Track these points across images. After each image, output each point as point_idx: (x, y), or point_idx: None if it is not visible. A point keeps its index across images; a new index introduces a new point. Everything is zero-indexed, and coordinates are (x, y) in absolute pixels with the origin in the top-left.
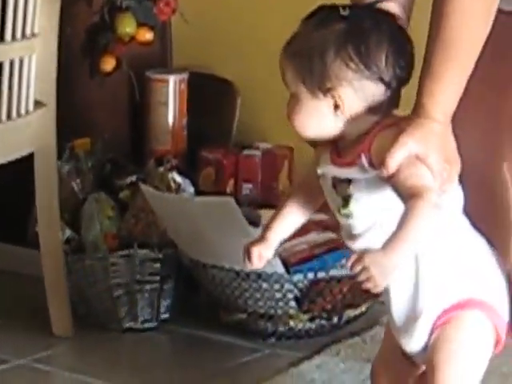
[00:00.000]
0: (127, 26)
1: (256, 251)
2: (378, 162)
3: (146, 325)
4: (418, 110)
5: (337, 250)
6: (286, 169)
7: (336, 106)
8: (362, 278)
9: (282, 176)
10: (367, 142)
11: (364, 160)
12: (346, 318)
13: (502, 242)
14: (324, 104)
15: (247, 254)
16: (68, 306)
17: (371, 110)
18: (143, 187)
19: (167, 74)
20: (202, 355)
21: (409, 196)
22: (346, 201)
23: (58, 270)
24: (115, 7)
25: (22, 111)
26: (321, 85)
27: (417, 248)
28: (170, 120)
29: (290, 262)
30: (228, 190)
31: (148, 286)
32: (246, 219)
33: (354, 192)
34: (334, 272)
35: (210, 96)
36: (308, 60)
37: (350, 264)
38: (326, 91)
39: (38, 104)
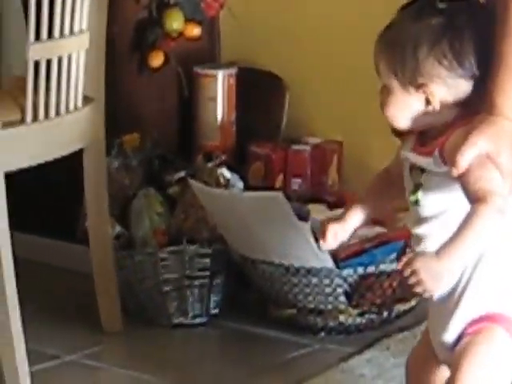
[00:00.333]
0: (175, 21)
1: (332, 230)
2: (449, 159)
3: (196, 320)
4: (489, 108)
5: (387, 244)
6: (336, 163)
7: (427, 101)
8: (411, 281)
9: (331, 171)
10: (445, 137)
11: (437, 154)
12: (396, 312)
13: None
14: (415, 99)
15: (322, 231)
16: (118, 302)
17: (459, 104)
18: (192, 183)
19: (216, 69)
20: (251, 350)
21: (474, 199)
22: (416, 188)
23: (107, 265)
24: (163, 3)
25: (71, 107)
26: (413, 80)
27: (473, 255)
28: (219, 115)
29: (340, 256)
30: (277, 184)
31: (197, 282)
32: (295, 214)
33: (425, 182)
34: (383, 266)
35: (259, 91)
36: (401, 53)
37: (400, 266)
38: (418, 87)
39: (86, 100)
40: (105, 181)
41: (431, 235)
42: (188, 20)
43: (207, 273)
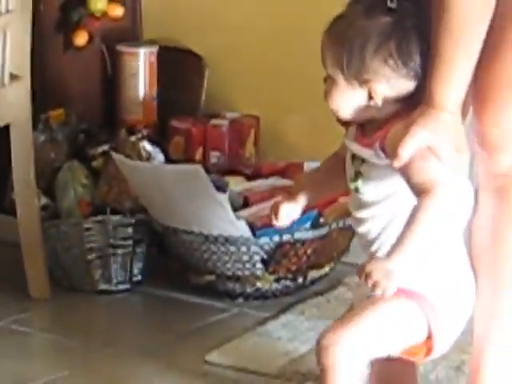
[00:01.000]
0: (99, 1)
1: (285, 210)
2: (390, 152)
3: (120, 287)
4: (428, 100)
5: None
6: (253, 137)
7: (370, 97)
8: (368, 284)
9: (248, 144)
10: (385, 130)
11: (378, 147)
12: (311, 278)
13: None
14: (359, 93)
15: (275, 211)
16: (45, 270)
17: (401, 99)
18: (115, 156)
19: (137, 47)
20: (172, 315)
21: (418, 192)
22: (356, 176)
23: (34, 235)
24: None
25: (1, 82)
26: (357, 75)
27: (425, 247)
28: (141, 91)
29: (257, 225)
30: (197, 157)
31: (121, 250)
32: (214, 186)
33: (365, 172)
34: (298, 235)
35: (180, 68)
36: (349, 49)
37: (359, 273)
38: (363, 82)
39: (13, 77)
40: (31, 154)
41: (373, 218)
42: (111, 0)
43: (130, 242)
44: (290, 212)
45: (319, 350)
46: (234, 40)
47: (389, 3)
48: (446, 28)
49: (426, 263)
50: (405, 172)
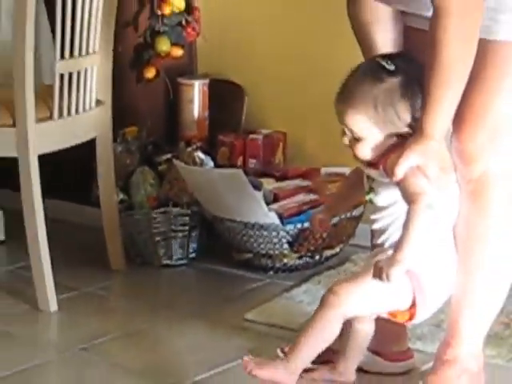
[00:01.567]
0: (164, 45)
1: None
2: (390, 171)
3: (179, 262)
4: (420, 130)
5: (318, 206)
6: (281, 148)
7: (399, 136)
8: (380, 277)
9: (278, 153)
10: (386, 157)
11: (382, 169)
12: (325, 256)
13: None
14: (381, 139)
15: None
16: (122, 249)
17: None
18: (176, 162)
19: (193, 79)
20: (219, 284)
21: (409, 201)
22: (369, 190)
23: (113, 222)
24: (154, 31)
25: (87, 108)
26: (389, 127)
27: (418, 243)
28: (196, 113)
29: (284, 215)
30: (238, 164)
31: (180, 234)
32: (251, 185)
33: (375, 186)
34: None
35: (225, 95)
36: (377, 108)
37: (374, 273)
38: (391, 131)
39: (98, 102)
40: (111, 161)
41: (382, 219)
42: (173, 44)
43: (186, 228)
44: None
45: (325, 294)
46: (266, 72)
47: (387, 66)
48: (436, 73)
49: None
50: (400, 186)
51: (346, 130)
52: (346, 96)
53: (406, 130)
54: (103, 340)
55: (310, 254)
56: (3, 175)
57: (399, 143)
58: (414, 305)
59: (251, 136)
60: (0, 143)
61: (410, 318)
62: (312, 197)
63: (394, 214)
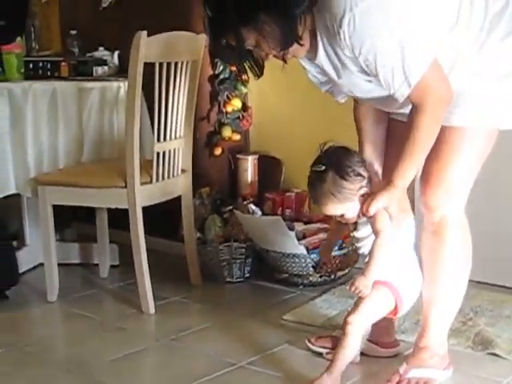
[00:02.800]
0: (227, 132)
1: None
2: (364, 211)
3: (237, 280)
4: (390, 181)
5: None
6: (307, 202)
7: (362, 196)
8: (354, 292)
9: (305, 205)
10: (361, 204)
11: (360, 213)
12: (338, 275)
13: None
14: (356, 206)
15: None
16: (199, 271)
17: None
18: (236, 212)
19: (247, 155)
20: (265, 295)
21: (374, 233)
22: (353, 229)
23: (193, 252)
24: (221, 123)
25: (175, 174)
26: (354, 196)
27: (382, 267)
28: (249, 178)
29: (309, 248)
30: (278, 212)
31: (238, 260)
32: (287, 227)
33: (357, 226)
34: (332, 253)
35: (270, 166)
36: (336, 197)
37: (350, 287)
38: (359, 195)
39: (183, 171)
40: (192, 211)
41: (364, 246)
42: (233, 131)
43: (243, 256)
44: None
45: (344, 324)
46: (297, 150)
47: (319, 169)
48: (410, 147)
49: (389, 268)
50: (371, 221)
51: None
52: (317, 202)
53: (362, 191)
54: (186, 333)
55: (327, 274)
56: (118, 220)
57: (367, 196)
58: (396, 306)
59: (287, 194)
60: (116, 199)
61: (395, 314)
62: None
63: (368, 240)
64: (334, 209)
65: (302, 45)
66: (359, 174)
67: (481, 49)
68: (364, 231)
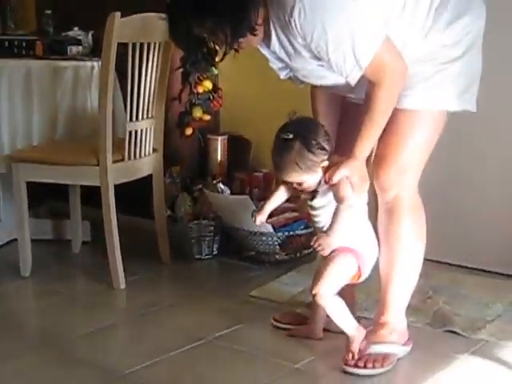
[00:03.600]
0: (198, 112)
1: (258, 217)
2: (327, 179)
3: (206, 257)
4: (350, 153)
5: (299, 220)
6: (275, 181)
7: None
8: (318, 249)
9: (272, 185)
10: (324, 173)
11: (322, 180)
12: (303, 254)
13: None
14: (316, 176)
15: (254, 218)
16: (168, 248)
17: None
18: (206, 191)
19: (217, 135)
20: (233, 272)
21: (337, 201)
22: (312, 197)
23: (163, 230)
24: (192, 103)
25: (146, 153)
26: (312, 172)
27: (343, 230)
28: (219, 158)
29: (276, 226)
30: (246, 192)
31: (207, 238)
32: (254, 206)
33: (315, 195)
34: (297, 231)
35: (239, 146)
36: (299, 166)
37: (313, 243)
38: (321, 167)
39: (154, 150)
40: (162, 189)
41: (320, 215)
42: (204, 112)
43: (212, 234)
44: (260, 218)
45: (314, 297)
46: (265, 130)
47: (286, 137)
48: (367, 121)
49: (352, 234)
50: (333, 189)
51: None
52: (279, 168)
53: (324, 164)
54: (156, 308)
55: (292, 253)
56: (90, 198)
57: (329, 166)
58: (359, 270)
59: (255, 173)
60: (88, 176)
61: (358, 279)
62: (294, 214)
63: (327, 210)
64: (295, 177)
65: (255, 35)
66: (324, 148)
67: (426, 36)
68: (320, 200)
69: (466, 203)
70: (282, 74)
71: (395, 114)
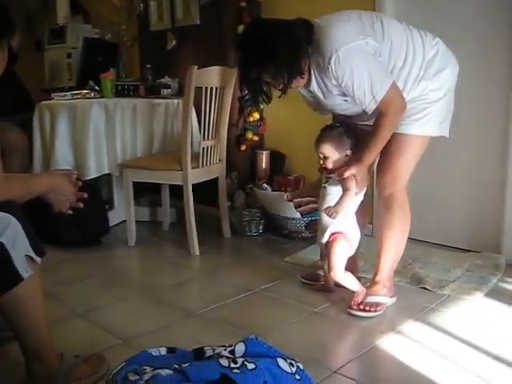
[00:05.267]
0: (249, 135)
1: (287, 194)
2: (340, 174)
3: (255, 234)
4: (358, 158)
5: (317, 210)
6: (302, 183)
7: (346, 155)
8: (328, 213)
9: (300, 185)
10: (338, 169)
11: (336, 174)
12: None
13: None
14: (342, 157)
15: (286, 196)
16: (229, 227)
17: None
18: (254, 189)
19: (263, 150)
20: (273, 244)
21: (344, 189)
22: (325, 182)
23: (225, 214)
24: (245, 128)
25: (214, 162)
26: (343, 153)
27: (348, 208)
28: (264, 166)
29: (302, 213)
30: (282, 189)
31: (255, 221)
32: (287, 200)
33: (330, 181)
34: (317, 217)
35: (277, 158)
36: (333, 142)
37: (328, 210)
38: (345, 154)
39: (219, 160)
40: (225, 187)
41: (326, 199)
42: (254, 134)
43: (258, 218)
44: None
45: (331, 276)
46: (297, 147)
47: (334, 124)
48: (374, 139)
49: (345, 221)
50: (343, 182)
51: (320, 155)
52: (320, 139)
53: (346, 153)
54: (220, 268)
55: (314, 232)
56: (176, 192)
57: (343, 165)
58: (350, 248)
59: (288, 177)
60: (174, 178)
61: (349, 254)
62: (316, 205)
63: (331, 199)
64: (327, 149)
65: (303, 78)
66: (352, 142)
67: (419, 82)
68: (330, 188)
69: (437, 197)
70: (313, 107)
71: (393, 137)
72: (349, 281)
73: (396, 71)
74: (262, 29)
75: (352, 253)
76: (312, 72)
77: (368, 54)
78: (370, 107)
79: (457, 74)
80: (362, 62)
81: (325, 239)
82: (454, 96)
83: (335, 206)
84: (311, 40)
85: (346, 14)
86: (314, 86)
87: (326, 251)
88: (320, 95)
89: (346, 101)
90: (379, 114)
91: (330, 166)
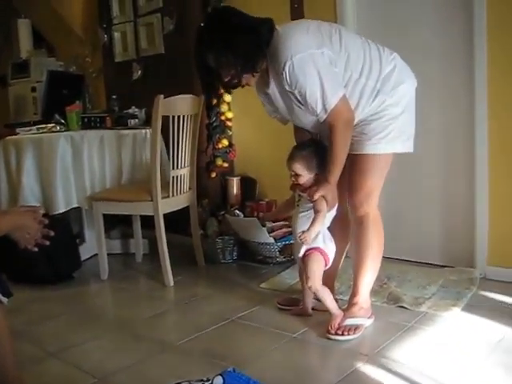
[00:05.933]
0: (219, 161)
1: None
2: (310, 195)
3: (229, 260)
4: (325, 178)
5: (291, 234)
6: (274, 207)
7: (316, 174)
8: (303, 241)
9: (272, 209)
10: (309, 189)
11: (307, 195)
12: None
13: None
14: (309, 178)
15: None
16: (202, 256)
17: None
18: (226, 215)
19: (233, 177)
20: (247, 270)
21: (315, 211)
22: (298, 201)
23: (198, 243)
24: (215, 155)
25: (184, 191)
26: (313, 171)
27: (319, 229)
28: (235, 192)
29: (276, 238)
30: (255, 215)
31: (229, 248)
32: (260, 224)
33: (301, 200)
34: (291, 241)
35: (248, 184)
36: (304, 162)
37: (300, 236)
38: (314, 173)
39: (189, 188)
40: (196, 215)
41: (299, 219)
42: (223, 161)
43: (232, 245)
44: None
45: (309, 288)
46: (266, 171)
47: (306, 143)
48: (332, 158)
49: (319, 237)
50: (313, 203)
51: (292, 172)
52: (292, 157)
53: (316, 172)
54: (195, 298)
55: (288, 256)
56: (147, 223)
57: (313, 184)
58: (325, 262)
59: (260, 202)
60: (145, 209)
61: (325, 267)
62: (289, 229)
63: (303, 218)
64: (298, 168)
65: (254, 76)
66: (322, 164)
67: (376, 96)
68: (305, 207)
69: (409, 215)
70: (272, 115)
71: (360, 158)
72: (327, 296)
73: (352, 82)
74: (231, 16)
75: (329, 265)
76: (270, 75)
77: (323, 64)
78: (321, 116)
79: (415, 89)
80: (315, 71)
81: (301, 253)
82: (414, 111)
83: (308, 229)
84: (270, 44)
85: (304, 24)
86: (273, 88)
87: (303, 265)
88: (279, 99)
89: (300, 108)
90: (330, 128)
91: (301, 181)
